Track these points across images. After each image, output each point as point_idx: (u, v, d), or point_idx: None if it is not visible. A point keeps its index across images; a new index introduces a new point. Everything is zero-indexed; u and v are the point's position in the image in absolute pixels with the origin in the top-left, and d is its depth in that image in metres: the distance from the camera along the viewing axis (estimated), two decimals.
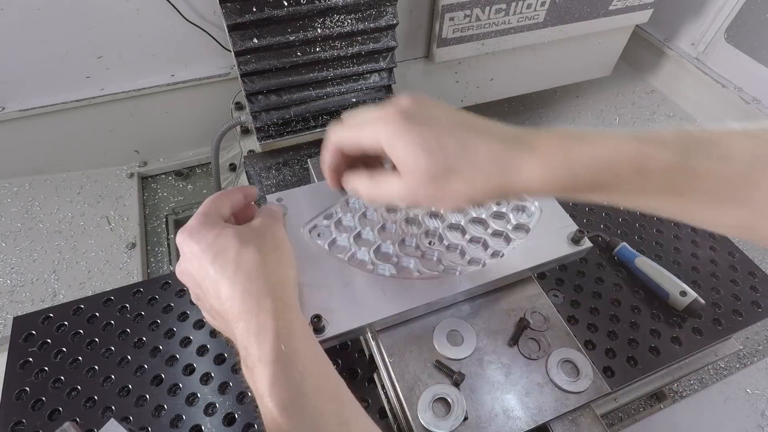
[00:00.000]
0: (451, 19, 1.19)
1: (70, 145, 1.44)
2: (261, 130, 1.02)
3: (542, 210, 0.71)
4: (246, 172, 1.05)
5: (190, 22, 1.26)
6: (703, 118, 1.75)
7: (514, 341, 0.60)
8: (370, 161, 0.51)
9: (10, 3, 1.10)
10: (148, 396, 0.62)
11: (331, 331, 0.56)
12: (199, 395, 0.62)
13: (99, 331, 0.68)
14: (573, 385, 0.56)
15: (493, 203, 0.43)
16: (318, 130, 1.06)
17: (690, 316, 0.74)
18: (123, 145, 1.52)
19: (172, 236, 1.49)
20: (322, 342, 0.56)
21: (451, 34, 1.23)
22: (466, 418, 0.53)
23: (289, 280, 0.49)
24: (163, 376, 0.64)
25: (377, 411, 0.62)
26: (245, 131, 1.19)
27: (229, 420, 0.60)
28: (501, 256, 0.65)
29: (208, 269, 0.43)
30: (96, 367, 0.64)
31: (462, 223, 0.70)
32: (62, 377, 0.63)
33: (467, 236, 0.68)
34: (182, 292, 0.73)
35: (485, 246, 0.67)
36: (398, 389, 0.56)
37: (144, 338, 0.67)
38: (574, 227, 0.67)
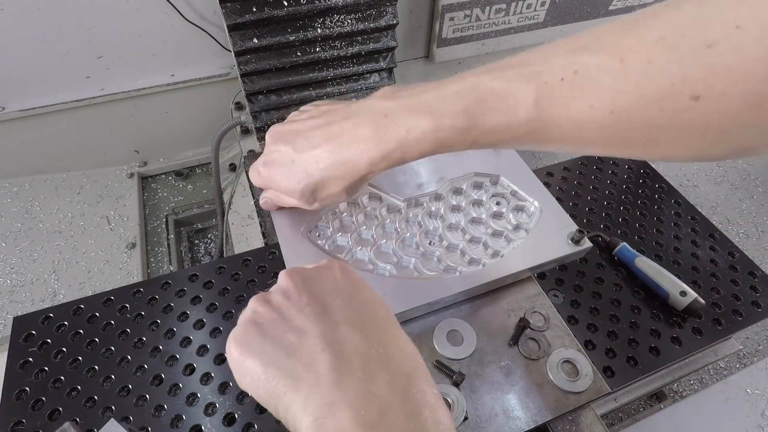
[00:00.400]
0: (451, 19, 1.19)
1: (70, 145, 1.44)
2: (261, 130, 1.02)
3: (542, 210, 0.71)
4: (246, 172, 1.05)
5: (190, 22, 1.26)
6: None
7: (514, 341, 0.60)
8: None
9: (10, 3, 1.10)
10: (148, 396, 0.62)
11: None
12: (199, 395, 0.62)
13: (99, 331, 0.68)
14: (573, 385, 0.57)
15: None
16: None
17: (690, 316, 0.74)
18: (123, 145, 1.52)
19: (172, 236, 1.49)
20: None
21: (451, 34, 1.23)
22: (466, 418, 0.53)
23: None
24: (163, 376, 0.64)
25: None
26: (245, 131, 1.19)
27: (229, 420, 0.60)
28: (501, 257, 0.65)
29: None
30: (96, 367, 0.64)
31: (462, 223, 0.70)
32: (62, 377, 0.63)
33: (467, 236, 0.68)
34: (182, 292, 0.73)
35: (485, 246, 0.67)
36: None
37: (144, 338, 0.67)
38: (574, 227, 0.67)
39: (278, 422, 0.59)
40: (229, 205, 1.22)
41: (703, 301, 0.73)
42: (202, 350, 0.67)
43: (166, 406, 0.61)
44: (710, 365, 0.80)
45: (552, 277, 0.79)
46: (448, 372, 0.57)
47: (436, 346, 0.59)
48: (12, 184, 1.46)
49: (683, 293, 0.73)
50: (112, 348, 0.66)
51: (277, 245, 0.77)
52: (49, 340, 0.67)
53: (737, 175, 1.56)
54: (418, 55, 1.32)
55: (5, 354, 0.65)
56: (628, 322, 0.73)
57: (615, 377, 0.67)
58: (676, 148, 0.35)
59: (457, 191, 0.74)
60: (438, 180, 0.75)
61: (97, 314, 0.70)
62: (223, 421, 0.60)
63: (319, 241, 0.67)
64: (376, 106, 0.48)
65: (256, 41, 0.87)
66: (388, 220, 0.70)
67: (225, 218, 1.23)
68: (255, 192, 1.01)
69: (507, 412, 0.55)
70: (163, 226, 1.51)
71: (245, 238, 1.13)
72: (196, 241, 1.61)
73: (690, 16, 0.31)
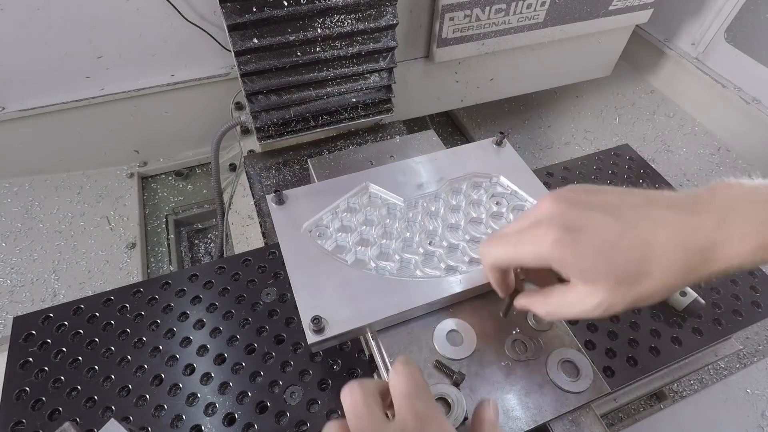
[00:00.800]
0: (451, 19, 1.19)
1: (70, 145, 1.44)
2: (261, 130, 1.02)
3: None
4: (246, 172, 1.05)
5: (190, 22, 1.26)
6: (703, 118, 1.75)
7: (504, 313, 0.60)
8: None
9: (10, 3, 1.10)
10: (148, 396, 0.62)
11: (331, 331, 0.56)
12: (199, 395, 0.62)
13: (99, 331, 0.68)
14: (573, 385, 0.56)
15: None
16: (318, 130, 1.06)
17: (690, 316, 0.74)
18: (123, 145, 1.52)
19: (172, 236, 1.49)
20: (322, 342, 0.57)
21: (451, 34, 1.23)
22: (466, 418, 0.53)
23: None
24: (163, 376, 0.64)
25: None
26: (245, 131, 1.19)
27: (229, 420, 0.60)
28: None
29: None
30: (96, 367, 0.64)
31: (462, 223, 0.70)
32: (62, 377, 0.63)
33: (467, 236, 0.68)
34: (182, 292, 0.73)
35: None
36: None
37: (144, 338, 0.67)
38: None
39: (278, 423, 0.60)
40: (229, 205, 1.22)
41: (703, 301, 0.73)
42: (202, 350, 0.67)
43: (166, 406, 0.61)
44: (710, 365, 0.80)
45: None
46: (448, 372, 0.57)
47: (436, 346, 0.59)
48: (12, 184, 1.46)
49: (683, 293, 0.73)
50: (112, 348, 0.66)
51: (277, 245, 0.77)
52: (49, 340, 0.67)
53: (737, 175, 1.56)
54: (418, 55, 1.32)
55: (5, 354, 0.65)
56: (628, 322, 0.73)
57: (615, 377, 0.66)
58: None
59: (457, 191, 0.74)
60: (438, 180, 0.75)
61: (97, 314, 0.70)
62: (223, 421, 0.60)
63: (319, 241, 0.67)
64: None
65: (256, 41, 0.87)
66: (388, 220, 0.70)
67: (225, 218, 1.23)
68: (255, 192, 1.01)
69: (507, 412, 0.55)
70: (163, 226, 1.51)
71: (245, 238, 1.13)
72: (196, 241, 1.61)
73: None
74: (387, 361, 0.58)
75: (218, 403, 0.61)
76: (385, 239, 0.67)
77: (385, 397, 0.42)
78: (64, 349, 0.66)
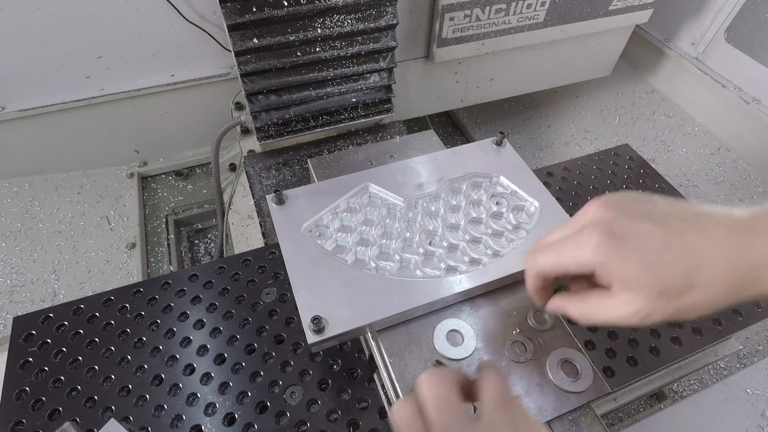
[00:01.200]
0: (451, 19, 1.19)
1: (70, 145, 1.44)
2: (261, 130, 1.02)
3: (542, 210, 0.71)
4: (246, 172, 1.05)
5: (190, 22, 1.26)
6: (703, 118, 1.75)
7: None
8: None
9: (10, 3, 1.10)
10: (148, 396, 0.62)
11: (331, 331, 0.56)
12: (199, 395, 0.62)
13: (99, 331, 0.68)
14: (573, 385, 0.57)
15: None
16: (318, 130, 1.06)
17: None
18: (123, 145, 1.52)
19: (172, 236, 1.49)
20: (322, 342, 0.57)
21: (451, 34, 1.23)
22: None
23: None
24: (163, 376, 0.64)
25: (377, 411, 0.62)
26: (245, 131, 1.19)
27: (229, 420, 0.60)
28: (501, 256, 0.65)
29: None
30: (96, 367, 0.64)
31: (462, 223, 0.70)
32: (62, 377, 0.63)
33: (467, 236, 0.68)
34: (182, 292, 0.73)
35: (485, 246, 0.67)
36: (398, 389, 0.56)
37: (144, 338, 0.67)
38: None
39: (278, 423, 0.59)
40: (229, 205, 1.22)
41: None
42: (202, 350, 0.67)
43: (166, 406, 0.61)
44: (710, 365, 0.80)
45: None
46: None
47: (436, 346, 0.59)
48: (12, 184, 1.46)
49: None
50: (112, 348, 0.66)
51: (277, 245, 0.77)
52: (49, 340, 0.67)
53: (737, 175, 1.56)
54: (418, 55, 1.32)
55: (5, 354, 0.65)
56: None
57: (615, 377, 0.66)
58: None
59: (457, 191, 0.74)
60: (438, 180, 0.75)
61: (97, 314, 0.70)
62: (223, 421, 0.60)
63: (319, 241, 0.67)
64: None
65: (256, 41, 0.87)
66: (388, 220, 0.70)
67: (225, 218, 1.23)
68: (255, 192, 1.01)
69: None
70: (163, 226, 1.51)
71: (245, 238, 1.13)
72: (196, 241, 1.61)
73: None
74: (387, 361, 0.58)
75: (218, 403, 0.61)
76: (385, 239, 0.67)
77: (465, 394, 0.41)
78: (64, 349, 0.66)
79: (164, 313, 0.70)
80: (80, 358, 0.65)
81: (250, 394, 0.62)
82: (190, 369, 0.65)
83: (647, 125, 1.77)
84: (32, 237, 1.35)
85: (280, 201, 0.71)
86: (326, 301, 0.59)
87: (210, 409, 0.61)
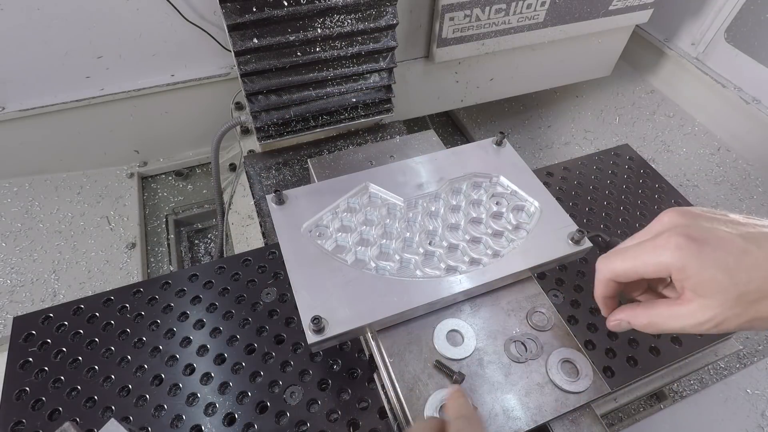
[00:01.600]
0: (451, 19, 1.19)
1: (70, 145, 1.44)
2: (261, 130, 1.02)
3: (542, 210, 0.71)
4: (246, 172, 1.05)
5: (190, 22, 1.26)
6: (703, 118, 1.75)
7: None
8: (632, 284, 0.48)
9: (10, 3, 1.10)
10: (148, 396, 0.62)
11: (331, 331, 0.56)
12: (199, 395, 0.62)
13: (99, 331, 0.68)
14: (573, 385, 0.56)
15: None
16: (318, 130, 1.06)
17: None
18: (123, 145, 1.52)
19: (172, 236, 1.49)
20: (322, 342, 0.57)
21: (451, 34, 1.23)
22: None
23: None
24: (163, 376, 0.64)
25: (377, 411, 0.62)
26: (245, 131, 1.19)
27: (229, 420, 0.60)
28: (501, 256, 0.65)
29: None
30: (96, 367, 0.64)
31: (462, 223, 0.70)
32: (62, 377, 0.63)
33: (467, 236, 0.68)
34: (182, 292, 0.73)
35: (485, 246, 0.67)
36: (398, 389, 0.56)
37: (144, 338, 0.67)
38: (574, 227, 0.67)
39: (278, 423, 0.59)
40: (229, 205, 1.22)
41: None
42: (202, 350, 0.67)
43: (166, 406, 0.61)
44: (710, 365, 0.80)
45: (552, 277, 0.79)
46: (448, 372, 0.57)
47: (436, 346, 0.59)
48: (12, 184, 1.46)
49: None
50: (112, 348, 0.66)
51: (277, 245, 0.77)
52: (49, 340, 0.67)
53: (737, 175, 1.56)
54: (418, 55, 1.32)
55: (5, 354, 0.65)
56: None
57: (615, 377, 0.67)
58: None
59: (457, 191, 0.74)
60: (438, 180, 0.75)
61: (97, 314, 0.70)
62: (223, 421, 0.60)
63: (319, 241, 0.66)
64: None
65: (256, 41, 0.87)
66: (388, 220, 0.70)
67: (225, 218, 1.23)
68: (255, 192, 1.01)
69: (507, 412, 0.55)
70: (163, 226, 1.51)
71: (245, 238, 1.13)
72: (196, 241, 1.61)
73: None
74: (387, 361, 0.58)
75: (218, 403, 0.61)
76: (385, 239, 0.67)
77: None
78: (64, 349, 0.66)
79: (164, 313, 0.70)
80: (80, 358, 0.65)
81: (250, 394, 0.62)
82: (190, 369, 0.65)
83: (647, 125, 1.77)
84: (32, 237, 1.35)
85: (280, 201, 0.71)
86: (326, 301, 0.59)
87: (210, 409, 0.61)
